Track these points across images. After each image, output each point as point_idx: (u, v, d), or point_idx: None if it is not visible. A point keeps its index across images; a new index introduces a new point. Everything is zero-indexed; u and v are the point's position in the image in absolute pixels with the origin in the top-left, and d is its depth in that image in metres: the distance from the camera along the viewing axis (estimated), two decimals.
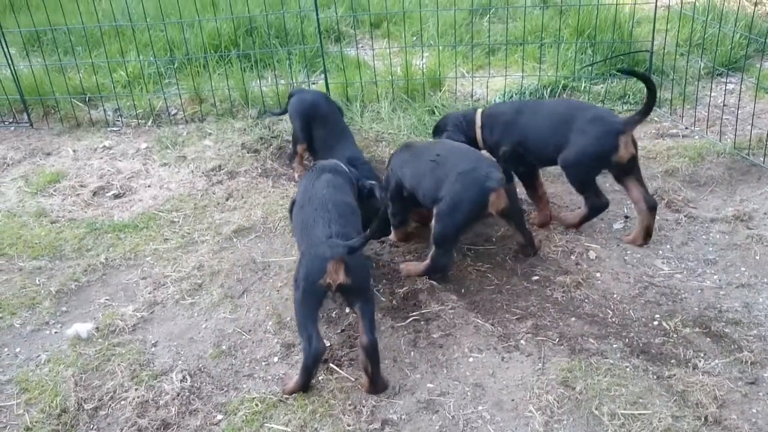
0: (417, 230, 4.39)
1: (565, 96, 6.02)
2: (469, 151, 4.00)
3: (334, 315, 3.72)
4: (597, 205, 4.19)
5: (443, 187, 3.75)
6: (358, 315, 3.27)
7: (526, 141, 4.23)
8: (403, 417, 3.11)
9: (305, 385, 3.22)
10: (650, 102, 4.01)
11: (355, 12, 7.43)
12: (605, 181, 4.69)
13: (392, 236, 4.36)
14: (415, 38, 6.95)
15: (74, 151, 5.65)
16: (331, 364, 3.39)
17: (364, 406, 3.15)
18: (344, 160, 4.48)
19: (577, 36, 6.33)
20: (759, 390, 3.16)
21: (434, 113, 5.75)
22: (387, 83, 6.04)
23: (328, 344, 3.51)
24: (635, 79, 5.56)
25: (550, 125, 4.17)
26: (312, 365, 3.18)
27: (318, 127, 4.97)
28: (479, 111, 4.53)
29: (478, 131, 4.45)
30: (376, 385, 3.22)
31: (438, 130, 4.63)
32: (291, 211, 3.82)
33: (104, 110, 6.14)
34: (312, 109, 5.02)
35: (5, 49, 5.92)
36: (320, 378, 3.32)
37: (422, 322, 3.64)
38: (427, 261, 3.91)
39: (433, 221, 3.83)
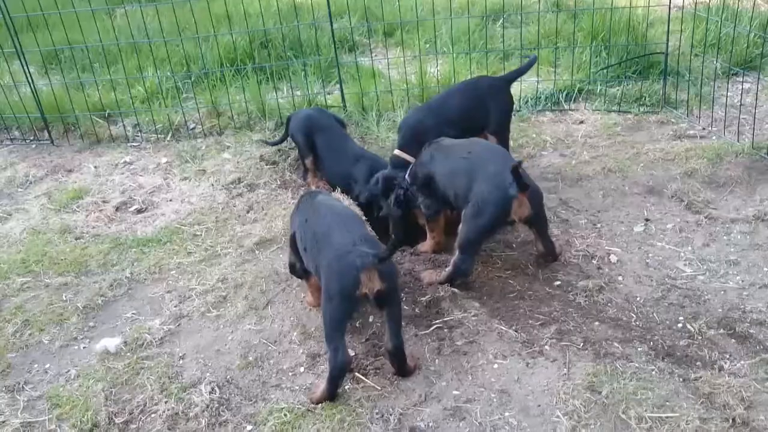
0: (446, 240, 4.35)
1: (581, 99, 6.03)
2: (499, 153, 4.00)
3: (358, 325, 3.75)
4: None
5: (473, 188, 3.76)
6: (386, 319, 3.29)
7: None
8: (430, 425, 3.13)
9: (332, 395, 3.25)
10: None
11: (368, 21, 7.48)
12: (623, 185, 4.70)
13: (422, 247, 4.36)
14: (428, 46, 6.98)
15: (95, 167, 5.72)
16: (357, 373, 3.41)
17: (391, 414, 3.17)
18: (353, 159, 4.92)
19: (591, 39, 6.34)
20: None
21: None
22: (402, 92, 6.08)
23: (353, 353, 3.53)
24: (651, 81, 5.62)
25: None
26: (338, 376, 3.21)
27: (319, 138, 5.14)
28: None
29: None
30: (404, 372, 3.37)
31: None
32: (292, 244, 3.76)
33: (124, 126, 6.21)
34: (309, 121, 5.24)
35: (25, 68, 6.02)
36: (347, 387, 3.35)
37: (445, 330, 3.66)
38: (449, 267, 3.92)
39: (460, 225, 3.84)
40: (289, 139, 5.46)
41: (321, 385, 3.29)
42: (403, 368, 3.35)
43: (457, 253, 3.87)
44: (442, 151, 4.11)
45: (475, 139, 4.34)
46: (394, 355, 3.28)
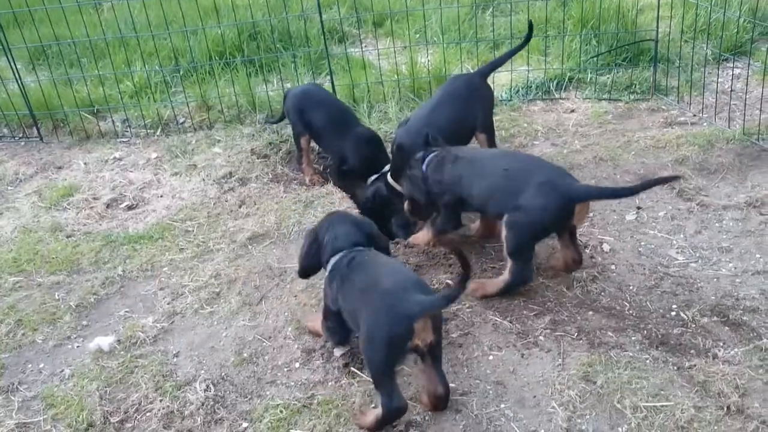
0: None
1: (572, 88, 6.02)
2: (543, 162, 3.86)
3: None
4: None
5: (520, 196, 3.55)
6: (429, 364, 3.05)
7: None
8: (426, 418, 3.13)
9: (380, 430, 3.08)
10: None
11: (357, 12, 7.44)
12: (615, 173, 4.71)
13: (416, 238, 4.27)
14: (418, 36, 6.95)
15: (85, 163, 5.68)
16: (353, 368, 3.41)
17: None
18: (355, 140, 4.89)
19: (581, 27, 6.32)
20: None
21: None
22: (393, 83, 6.05)
23: (349, 348, 3.53)
24: (641, 68, 5.61)
25: None
26: (390, 421, 3.04)
27: (315, 114, 5.08)
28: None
29: None
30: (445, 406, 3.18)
31: None
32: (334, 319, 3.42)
33: (113, 121, 6.17)
34: (303, 95, 5.19)
35: (12, 64, 5.96)
36: (343, 382, 3.35)
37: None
38: (506, 276, 3.69)
39: (504, 233, 3.63)
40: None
41: (371, 416, 3.07)
42: (446, 405, 3.16)
43: (510, 262, 3.66)
44: (471, 164, 3.88)
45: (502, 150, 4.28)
46: (445, 399, 3.12)
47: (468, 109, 4.62)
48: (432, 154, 4.02)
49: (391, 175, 4.57)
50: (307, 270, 3.54)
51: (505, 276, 3.72)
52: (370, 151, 4.91)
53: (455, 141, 4.30)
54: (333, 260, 3.34)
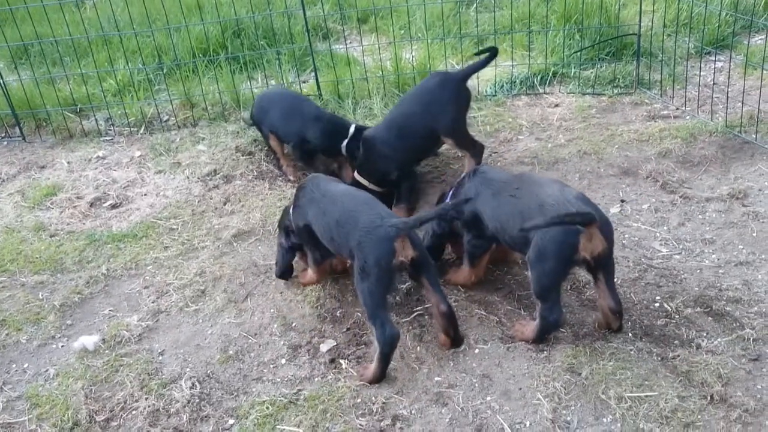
0: None
1: (556, 82, 6.04)
2: (550, 183, 3.53)
3: (339, 314, 3.75)
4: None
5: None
6: (427, 286, 3.35)
7: None
8: (413, 412, 3.14)
9: (384, 372, 3.27)
10: None
11: (341, 8, 7.42)
12: (599, 167, 4.73)
13: (455, 276, 3.92)
14: (403, 32, 6.95)
15: (68, 162, 5.64)
16: (340, 363, 3.42)
17: (374, 403, 3.18)
18: (310, 119, 4.96)
19: (565, 22, 6.34)
20: (762, 366, 3.20)
21: None
22: (378, 79, 6.04)
23: (335, 343, 3.54)
24: (624, 62, 5.64)
25: None
26: (389, 352, 3.24)
27: (272, 111, 5.17)
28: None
29: None
30: (459, 340, 3.45)
31: None
32: (302, 236, 3.81)
33: (96, 120, 6.13)
34: (262, 98, 5.33)
35: None
36: (329, 378, 3.35)
37: (426, 317, 3.67)
38: (537, 321, 3.39)
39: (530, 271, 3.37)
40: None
41: (370, 366, 3.29)
42: (458, 333, 3.42)
43: (539, 303, 3.36)
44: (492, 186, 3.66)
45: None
46: (450, 318, 3.35)
47: (430, 111, 4.54)
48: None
49: (359, 172, 4.67)
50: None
51: (537, 320, 3.41)
52: (326, 125, 4.96)
53: (419, 141, 4.49)
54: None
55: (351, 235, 3.34)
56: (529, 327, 3.45)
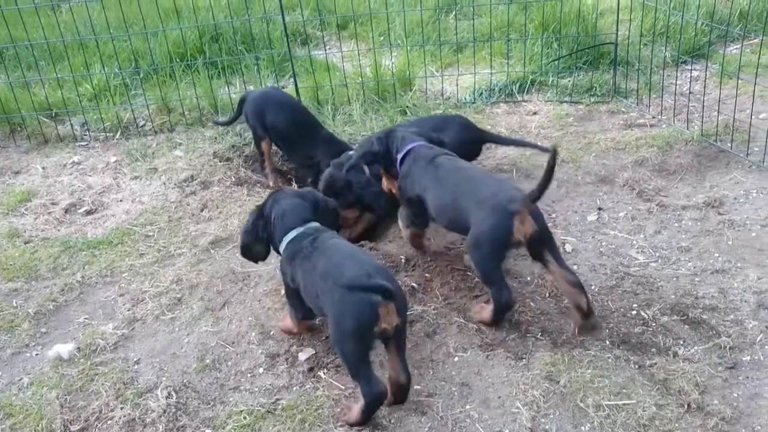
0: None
1: (534, 90, 6.07)
2: (488, 176, 3.77)
3: (318, 322, 3.72)
4: None
5: (469, 216, 3.52)
6: (395, 353, 3.08)
7: None
8: (392, 421, 3.12)
9: (367, 421, 3.09)
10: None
11: (321, 14, 7.41)
12: (576, 174, 4.75)
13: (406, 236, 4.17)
14: (382, 38, 6.96)
15: (43, 168, 5.57)
16: (318, 372, 3.39)
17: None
18: (322, 147, 4.88)
19: (543, 30, 6.39)
20: (738, 374, 3.22)
21: (406, 113, 5.78)
22: (357, 85, 6.04)
23: (313, 352, 3.51)
24: (601, 71, 5.67)
25: None
26: (375, 407, 3.04)
27: (275, 118, 5.07)
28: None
29: None
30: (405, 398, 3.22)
31: None
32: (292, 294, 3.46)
33: (71, 125, 6.06)
34: (263, 99, 5.16)
35: None
36: (307, 387, 3.32)
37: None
38: (491, 304, 3.55)
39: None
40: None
41: (354, 408, 3.10)
42: (406, 397, 3.18)
43: (486, 287, 3.59)
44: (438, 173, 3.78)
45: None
46: (406, 390, 3.14)
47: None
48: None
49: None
50: (248, 246, 3.56)
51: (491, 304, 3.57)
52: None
53: None
54: (287, 239, 3.38)
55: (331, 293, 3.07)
56: (486, 309, 3.59)
